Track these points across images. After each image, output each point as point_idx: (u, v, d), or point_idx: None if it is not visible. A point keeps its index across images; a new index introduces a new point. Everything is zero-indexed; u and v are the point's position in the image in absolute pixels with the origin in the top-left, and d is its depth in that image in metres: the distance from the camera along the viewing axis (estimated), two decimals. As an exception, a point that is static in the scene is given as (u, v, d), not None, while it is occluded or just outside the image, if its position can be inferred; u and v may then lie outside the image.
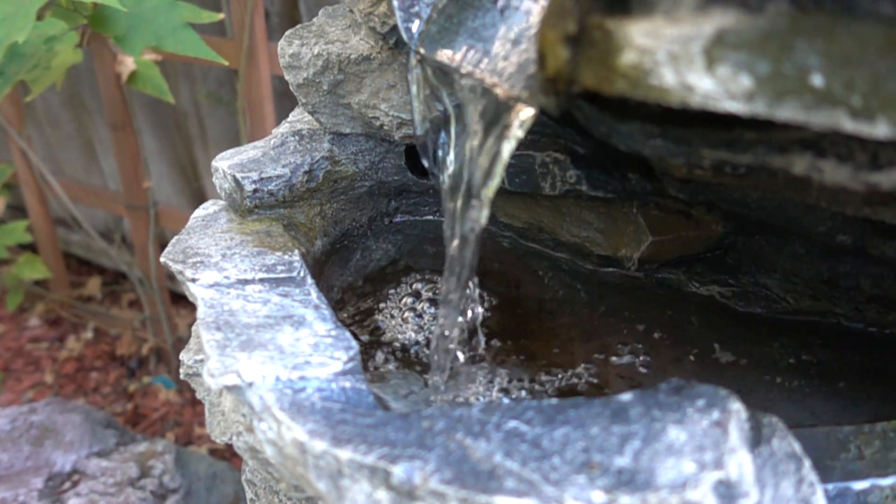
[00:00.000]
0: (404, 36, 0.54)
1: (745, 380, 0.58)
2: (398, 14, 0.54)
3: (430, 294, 0.67)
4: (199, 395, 0.61)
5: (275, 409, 0.40)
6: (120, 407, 1.62)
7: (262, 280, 0.53)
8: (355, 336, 0.59)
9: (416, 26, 0.54)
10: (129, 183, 1.48)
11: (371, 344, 0.62)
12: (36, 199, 1.68)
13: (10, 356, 1.78)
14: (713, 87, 0.33)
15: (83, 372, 1.74)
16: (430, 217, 0.76)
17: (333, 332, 0.48)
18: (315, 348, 0.46)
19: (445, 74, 0.51)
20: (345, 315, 0.65)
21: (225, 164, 0.63)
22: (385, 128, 0.66)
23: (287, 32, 0.66)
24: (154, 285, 1.57)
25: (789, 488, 0.38)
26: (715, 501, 0.32)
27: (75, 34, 1.10)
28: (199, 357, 0.59)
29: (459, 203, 0.55)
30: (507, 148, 0.46)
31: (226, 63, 1.03)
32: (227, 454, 1.47)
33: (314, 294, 0.53)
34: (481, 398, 0.56)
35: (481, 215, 0.50)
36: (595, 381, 0.58)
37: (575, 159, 0.66)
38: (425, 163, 0.57)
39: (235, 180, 0.61)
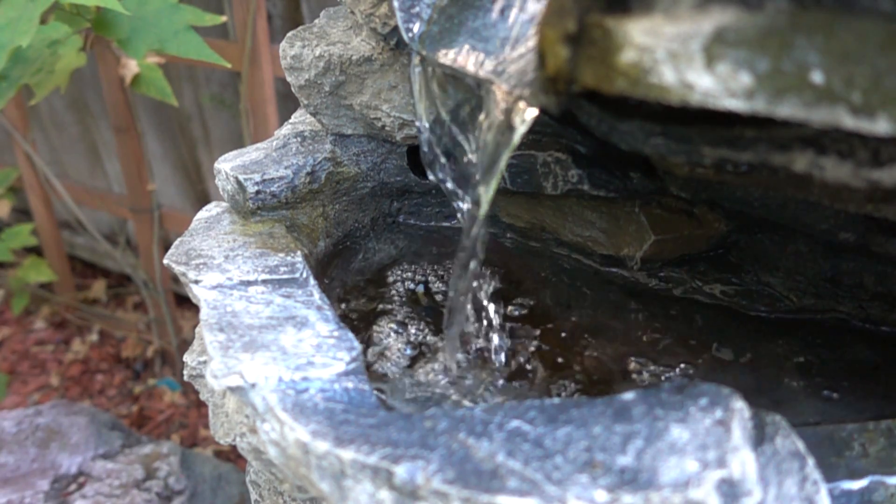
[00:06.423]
0: (405, 37, 0.54)
1: (748, 378, 0.58)
2: (399, 15, 0.54)
3: (433, 294, 0.67)
4: (203, 397, 0.61)
5: (278, 409, 0.40)
6: (125, 409, 1.63)
7: (264, 281, 0.53)
8: (358, 336, 0.59)
9: (417, 27, 0.54)
10: (133, 186, 1.48)
11: (374, 344, 0.62)
12: (41, 203, 1.69)
13: (16, 359, 1.78)
14: (713, 84, 0.33)
15: (88, 374, 1.74)
16: (433, 219, 0.76)
17: (336, 333, 0.48)
18: (318, 349, 0.46)
19: (447, 75, 0.51)
20: (347, 316, 0.65)
21: (227, 165, 0.63)
22: (387, 129, 0.66)
23: (289, 34, 0.66)
24: (159, 288, 1.57)
25: (793, 486, 0.37)
26: (718, 500, 0.32)
27: (79, 38, 1.11)
28: (202, 358, 0.59)
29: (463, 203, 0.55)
30: (508, 149, 0.46)
31: (228, 65, 1.04)
32: (233, 456, 1.47)
33: (317, 295, 0.53)
34: (482, 398, 0.56)
35: (482, 214, 0.50)
36: (598, 379, 0.58)
37: (576, 159, 0.65)
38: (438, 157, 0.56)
39: (238, 182, 0.62)
